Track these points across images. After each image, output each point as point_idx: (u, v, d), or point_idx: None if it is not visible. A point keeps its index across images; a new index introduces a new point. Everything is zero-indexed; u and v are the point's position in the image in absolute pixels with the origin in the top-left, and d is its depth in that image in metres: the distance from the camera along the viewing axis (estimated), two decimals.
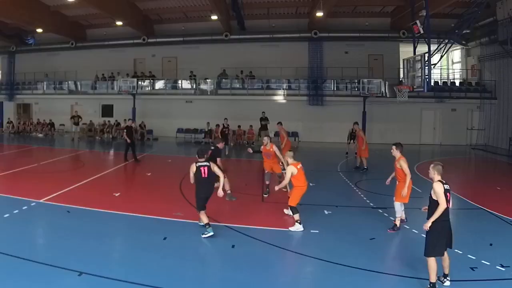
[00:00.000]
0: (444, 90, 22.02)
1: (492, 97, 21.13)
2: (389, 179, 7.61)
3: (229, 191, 9.10)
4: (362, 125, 21.25)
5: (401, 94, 17.00)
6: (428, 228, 4.96)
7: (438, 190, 4.99)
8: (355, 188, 10.75)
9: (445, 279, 5.07)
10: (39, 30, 23.34)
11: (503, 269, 5.44)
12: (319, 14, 18.67)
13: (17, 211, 7.62)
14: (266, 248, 6.23)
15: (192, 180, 6.86)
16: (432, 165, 5.28)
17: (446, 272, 5.08)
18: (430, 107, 21.97)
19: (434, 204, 5.01)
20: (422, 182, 11.49)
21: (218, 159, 8.74)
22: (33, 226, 7.15)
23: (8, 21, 23.74)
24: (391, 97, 20.69)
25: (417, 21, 14.82)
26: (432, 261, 4.86)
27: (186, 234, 6.81)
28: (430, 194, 5.09)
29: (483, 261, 5.66)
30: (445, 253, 5.03)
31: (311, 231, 7.06)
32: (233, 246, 6.23)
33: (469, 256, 5.86)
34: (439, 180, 5.16)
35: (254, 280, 5.21)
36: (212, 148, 9.13)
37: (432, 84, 17.37)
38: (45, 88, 26.12)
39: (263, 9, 22.93)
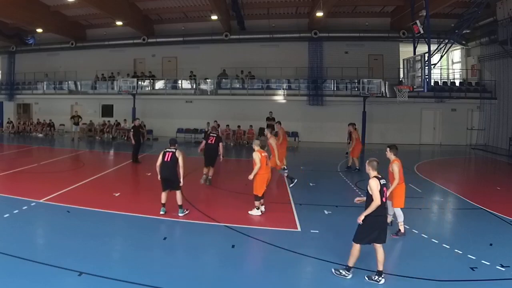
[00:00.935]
0: (444, 90, 22.03)
1: (492, 97, 21.13)
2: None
3: (210, 177, 10.74)
4: (362, 125, 21.29)
5: (401, 94, 17.00)
6: (361, 222, 5.13)
7: (373, 186, 5.08)
8: (355, 188, 10.75)
9: (379, 278, 5.05)
10: (39, 30, 23.33)
11: (503, 269, 5.44)
12: (319, 14, 18.67)
13: (17, 211, 7.62)
14: (266, 248, 6.24)
15: (158, 163, 7.93)
16: (367, 161, 5.41)
17: (380, 268, 5.09)
18: (430, 107, 21.97)
19: (369, 199, 5.12)
20: (422, 182, 11.52)
21: (220, 144, 10.61)
22: (33, 226, 7.14)
23: (8, 21, 23.74)
24: (391, 97, 20.69)
25: (417, 21, 14.81)
26: (356, 248, 5.17)
27: (186, 234, 6.82)
28: (367, 189, 5.19)
29: (483, 261, 5.66)
30: (380, 248, 5.11)
31: (311, 231, 7.06)
32: (233, 246, 6.23)
33: (469, 256, 5.86)
34: (375, 176, 5.22)
35: (254, 280, 5.21)
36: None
37: (432, 84, 17.38)
38: (45, 88, 26.12)
39: (263, 9, 22.92)
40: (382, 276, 5.08)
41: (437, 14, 18.59)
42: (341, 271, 5.25)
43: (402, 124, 21.86)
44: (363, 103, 21.40)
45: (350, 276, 5.18)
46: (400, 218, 6.86)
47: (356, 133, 13.51)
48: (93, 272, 5.06)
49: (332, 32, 22.87)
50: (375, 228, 5.11)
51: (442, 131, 22.20)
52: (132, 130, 14.78)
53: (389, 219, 6.99)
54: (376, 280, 5.05)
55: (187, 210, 7.90)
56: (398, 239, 6.78)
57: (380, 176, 5.24)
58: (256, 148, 8.01)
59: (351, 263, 5.19)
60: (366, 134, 21.39)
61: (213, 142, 10.53)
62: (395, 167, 6.77)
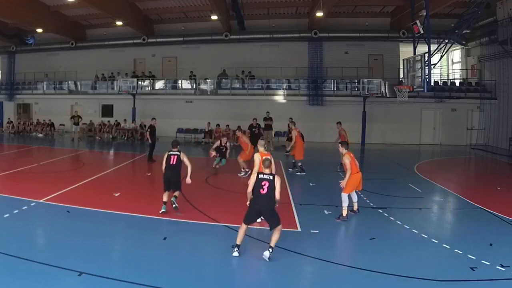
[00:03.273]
0: (444, 90, 22.03)
1: (492, 97, 21.14)
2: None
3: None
4: (362, 125, 21.31)
5: (401, 94, 17.01)
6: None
7: (251, 181, 5.88)
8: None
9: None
10: (39, 30, 23.34)
11: (503, 269, 5.43)
12: (319, 14, 18.68)
13: (17, 211, 7.61)
14: (266, 248, 6.22)
15: (163, 166, 8.07)
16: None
17: (272, 245, 5.67)
18: (430, 107, 21.97)
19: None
20: (422, 182, 11.53)
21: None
22: (33, 226, 7.14)
23: (8, 21, 23.75)
24: (391, 97, 20.70)
25: (417, 21, 14.82)
26: (242, 227, 5.86)
27: (186, 234, 6.81)
28: None
29: (483, 261, 5.65)
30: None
31: (311, 231, 7.06)
32: (233, 246, 6.22)
33: (469, 256, 5.86)
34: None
35: (254, 280, 5.21)
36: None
37: (432, 84, 17.39)
38: (45, 88, 26.14)
39: (263, 9, 22.93)
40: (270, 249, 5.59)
41: (437, 14, 18.60)
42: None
43: (402, 124, 21.87)
44: (363, 103, 21.40)
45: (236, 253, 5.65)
46: (345, 203, 7.72)
47: (344, 132, 13.61)
48: (93, 272, 5.06)
49: (332, 32, 22.88)
50: (252, 212, 5.83)
51: (442, 131, 22.21)
52: (148, 129, 14.98)
53: (355, 206, 8.10)
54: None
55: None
56: (398, 239, 6.78)
57: (265, 173, 5.85)
58: (260, 149, 8.02)
59: (237, 241, 5.76)
60: (366, 134, 21.40)
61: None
62: (346, 160, 7.73)
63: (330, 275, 5.33)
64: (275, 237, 5.71)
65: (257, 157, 7.72)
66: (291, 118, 15.01)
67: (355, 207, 8.14)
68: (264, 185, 5.75)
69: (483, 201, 9.15)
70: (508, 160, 17.11)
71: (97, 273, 5.05)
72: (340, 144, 8.17)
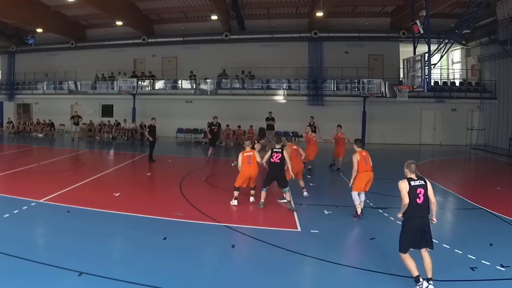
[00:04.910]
0: (444, 90, 22.03)
1: (492, 97, 21.14)
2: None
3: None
4: (362, 125, 21.29)
5: (401, 94, 16.99)
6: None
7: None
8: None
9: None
10: (39, 30, 23.34)
11: (503, 269, 5.43)
12: (319, 14, 18.68)
13: (17, 211, 7.61)
14: (266, 248, 6.23)
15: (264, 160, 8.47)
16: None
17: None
18: (430, 107, 21.97)
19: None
20: None
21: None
22: (33, 226, 7.14)
23: (8, 21, 23.74)
24: (391, 97, 20.68)
25: (417, 21, 14.80)
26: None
27: (186, 234, 6.81)
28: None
29: (483, 261, 5.65)
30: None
31: (311, 231, 7.05)
32: (233, 246, 6.23)
33: (469, 256, 5.86)
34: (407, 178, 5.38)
35: (254, 280, 5.21)
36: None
37: (432, 84, 17.37)
38: (45, 88, 26.13)
39: (263, 9, 22.93)
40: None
41: (437, 14, 18.59)
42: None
43: (402, 124, 21.86)
44: (363, 103, 21.39)
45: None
46: (356, 201, 7.88)
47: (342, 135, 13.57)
48: (93, 272, 5.06)
49: (332, 32, 22.88)
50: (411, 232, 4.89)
51: (442, 131, 22.20)
52: (148, 129, 15.00)
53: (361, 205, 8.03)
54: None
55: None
56: (398, 239, 6.77)
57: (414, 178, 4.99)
58: (247, 148, 8.82)
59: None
60: (366, 134, 21.39)
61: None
62: (353, 158, 7.93)
63: (330, 275, 5.33)
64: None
65: (240, 156, 8.65)
66: (340, 126, 13.95)
67: (361, 206, 7.96)
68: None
69: (483, 201, 9.15)
70: (508, 160, 17.11)
71: (97, 273, 5.05)
72: (354, 142, 8.30)
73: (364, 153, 8.03)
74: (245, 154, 8.62)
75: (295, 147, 9.51)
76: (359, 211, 7.86)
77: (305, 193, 9.48)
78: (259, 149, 9.57)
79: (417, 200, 4.85)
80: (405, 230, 4.92)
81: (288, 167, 8.43)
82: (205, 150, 19.28)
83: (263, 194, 8.39)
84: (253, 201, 8.83)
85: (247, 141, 9.30)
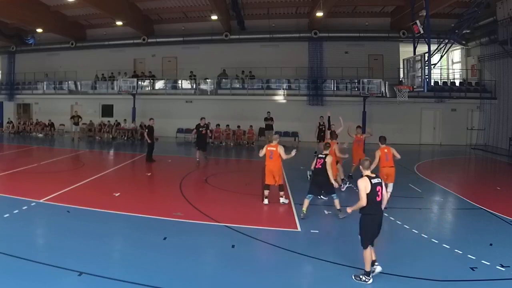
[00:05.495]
0: (444, 90, 22.03)
1: (492, 97, 21.13)
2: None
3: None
4: (362, 125, 21.25)
5: (401, 94, 16.99)
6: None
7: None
8: (355, 188, 10.73)
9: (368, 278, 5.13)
10: (39, 30, 23.35)
11: (503, 269, 5.43)
12: (319, 14, 18.68)
13: (17, 211, 7.61)
14: (266, 248, 6.24)
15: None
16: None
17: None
18: (430, 107, 21.97)
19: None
20: (422, 182, 11.52)
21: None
22: (33, 226, 7.14)
23: (8, 21, 23.75)
24: (391, 97, 20.68)
25: (417, 21, 14.80)
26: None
27: (186, 234, 6.81)
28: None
29: (483, 261, 5.66)
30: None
31: (311, 231, 7.06)
32: (233, 246, 6.23)
33: (469, 256, 5.86)
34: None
35: (253, 280, 5.21)
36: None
37: (432, 84, 17.36)
38: (45, 88, 26.13)
39: (263, 9, 22.92)
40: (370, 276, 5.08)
41: (437, 14, 18.58)
42: (360, 276, 5.10)
43: (402, 124, 21.83)
44: (363, 103, 21.38)
45: (371, 280, 5.06)
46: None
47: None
48: (93, 272, 5.06)
49: (332, 32, 22.87)
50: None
51: (442, 131, 22.20)
52: (147, 129, 14.88)
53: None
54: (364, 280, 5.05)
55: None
56: (398, 239, 6.78)
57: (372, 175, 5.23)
58: (274, 142, 8.83)
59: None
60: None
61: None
62: (376, 153, 8.58)
63: (330, 275, 5.33)
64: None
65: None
66: (360, 127, 12.95)
67: (388, 196, 8.08)
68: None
69: (483, 201, 9.15)
70: (508, 160, 17.12)
71: (97, 273, 5.05)
72: (379, 139, 8.88)
73: (386, 150, 8.63)
74: (268, 148, 8.74)
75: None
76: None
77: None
78: (338, 150, 9.65)
79: (377, 197, 5.06)
80: (366, 227, 5.11)
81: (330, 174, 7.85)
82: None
83: (306, 202, 7.77)
84: (283, 202, 8.76)
85: (274, 135, 9.17)
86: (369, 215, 5.08)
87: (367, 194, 5.01)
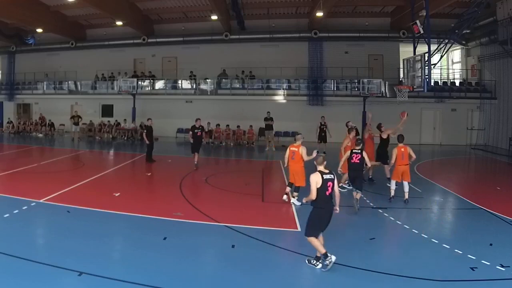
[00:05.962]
0: (444, 90, 22.02)
1: (492, 97, 21.13)
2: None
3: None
4: (362, 125, 21.24)
5: (401, 94, 16.99)
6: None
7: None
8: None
9: (317, 262, 5.56)
10: (39, 30, 23.35)
11: (503, 269, 5.43)
12: (319, 14, 18.68)
13: (17, 211, 7.61)
14: (266, 248, 6.24)
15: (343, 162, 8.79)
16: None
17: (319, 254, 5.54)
18: (430, 107, 21.96)
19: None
20: (422, 182, 11.52)
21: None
22: (33, 226, 7.14)
23: (8, 21, 23.75)
24: (391, 97, 20.68)
25: (417, 21, 14.80)
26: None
27: (186, 234, 6.81)
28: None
29: (483, 261, 5.66)
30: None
31: None
32: (233, 246, 6.23)
33: (469, 256, 5.86)
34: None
35: (253, 280, 5.21)
36: None
37: (432, 84, 17.36)
38: (45, 88, 26.13)
39: (263, 9, 22.92)
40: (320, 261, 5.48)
41: (437, 14, 18.58)
42: (312, 261, 5.55)
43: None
44: (363, 103, 21.39)
45: (320, 265, 5.48)
46: (392, 186, 9.26)
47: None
48: (93, 272, 5.06)
49: (332, 32, 22.87)
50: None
51: (442, 131, 22.19)
52: (145, 130, 14.83)
53: (406, 196, 9.03)
54: (314, 264, 5.51)
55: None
56: (398, 239, 6.78)
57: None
58: (297, 142, 8.89)
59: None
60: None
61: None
62: (393, 152, 9.08)
63: (330, 275, 5.33)
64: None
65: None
66: (402, 136, 11.56)
67: (406, 196, 8.98)
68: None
69: (483, 201, 9.15)
70: (508, 160, 17.12)
71: (97, 273, 5.05)
72: (397, 138, 9.43)
73: (403, 149, 8.99)
74: (291, 148, 8.83)
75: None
76: (392, 193, 9.14)
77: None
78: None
79: (326, 192, 5.43)
80: (314, 218, 5.49)
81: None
82: (205, 150, 19.30)
83: (355, 194, 8.45)
84: (292, 203, 8.71)
85: (298, 135, 9.11)
86: (317, 209, 5.45)
87: (318, 189, 5.34)
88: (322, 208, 5.44)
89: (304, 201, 5.79)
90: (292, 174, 8.82)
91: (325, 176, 5.41)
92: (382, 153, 11.04)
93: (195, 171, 12.81)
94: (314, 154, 8.40)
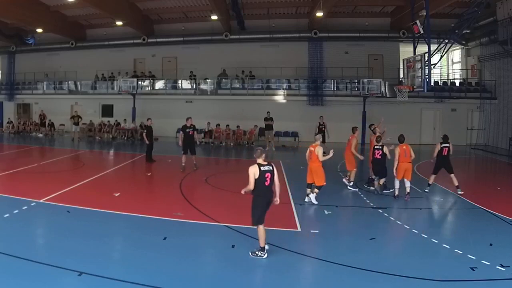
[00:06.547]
0: (444, 90, 22.03)
1: (492, 97, 21.13)
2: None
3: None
4: (362, 125, 21.26)
5: (401, 94, 17.00)
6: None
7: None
8: (354, 188, 10.74)
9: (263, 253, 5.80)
10: (39, 30, 23.35)
11: (503, 269, 5.43)
12: (319, 14, 18.68)
13: (17, 211, 7.61)
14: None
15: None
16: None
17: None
18: (430, 107, 21.96)
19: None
20: (422, 182, 11.51)
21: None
22: (33, 226, 7.14)
23: (8, 21, 23.75)
24: (391, 97, 20.68)
25: (417, 21, 14.81)
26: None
27: (186, 234, 6.81)
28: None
29: (483, 261, 5.66)
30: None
31: (311, 231, 7.06)
32: (233, 246, 6.23)
33: (469, 256, 5.86)
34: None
35: (254, 280, 5.21)
36: None
37: (432, 84, 17.37)
38: (45, 88, 26.14)
39: (263, 9, 22.93)
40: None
41: (437, 14, 18.59)
42: (256, 252, 5.75)
43: (402, 124, 21.71)
44: (363, 103, 21.39)
45: (265, 255, 5.71)
46: (396, 185, 9.46)
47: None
48: (93, 272, 5.06)
49: (332, 32, 22.87)
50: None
51: (442, 131, 22.08)
52: (145, 130, 14.80)
53: (407, 190, 9.34)
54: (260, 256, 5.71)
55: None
56: (398, 239, 6.78)
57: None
58: (316, 142, 9.03)
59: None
60: (366, 134, 21.37)
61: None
62: (395, 150, 9.36)
63: (330, 275, 5.33)
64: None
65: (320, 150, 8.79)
66: (403, 136, 10.61)
67: (407, 190, 9.34)
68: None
69: (483, 201, 9.15)
70: (508, 160, 17.12)
71: (97, 273, 5.05)
72: (398, 138, 9.73)
73: (404, 147, 9.35)
74: (310, 148, 8.97)
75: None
76: (396, 192, 9.41)
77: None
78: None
79: (265, 182, 5.78)
80: (255, 206, 5.82)
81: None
82: (205, 150, 19.31)
83: (376, 183, 10.03)
84: (315, 203, 8.80)
85: (317, 135, 9.41)
86: (258, 197, 5.80)
87: (256, 179, 5.71)
88: (261, 196, 5.79)
89: (242, 192, 5.98)
90: (310, 173, 8.86)
91: (263, 168, 5.77)
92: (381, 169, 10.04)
93: (195, 172, 12.79)
94: (331, 154, 8.50)
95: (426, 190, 10.19)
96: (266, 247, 5.80)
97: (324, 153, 8.97)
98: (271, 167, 5.87)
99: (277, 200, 5.99)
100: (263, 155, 5.94)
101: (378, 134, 10.45)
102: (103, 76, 25.52)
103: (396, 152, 9.30)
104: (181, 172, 12.41)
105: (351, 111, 21.55)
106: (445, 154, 10.16)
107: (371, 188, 10.29)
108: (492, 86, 21.19)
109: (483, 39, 20.67)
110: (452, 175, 10.10)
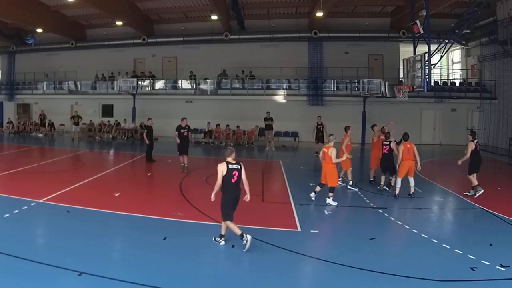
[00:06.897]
0: (444, 90, 22.03)
1: (492, 97, 21.14)
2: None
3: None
4: (362, 125, 21.28)
5: (401, 94, 17.00)
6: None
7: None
8: (355, 188, 10.74)
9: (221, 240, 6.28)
10: (39, 30, 23.36)
11: (503, 269, 5.43)
12: (319, 14, 18.69)
13: (17, 211, 7.61)
14: (266, 248, 6.23)
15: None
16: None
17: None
18: (430, 107, 21.97)
19: None
20: (422, 182, 11.51)
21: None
22: (33, 226, 7.13)
23: (8, 21, 23.76)
24: (391, 97, 20.68)
25: (417, 21, 14.82)
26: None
27: (186, 234, 6.81)
28: None
29: (483, 261, 5.65)
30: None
31: (311, 231, 7.06)
32: (233, 246, 6.23)
33: (469, 256, 5.86)
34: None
35: (254, 280, 5.21)
36: None
37: (432, 84, 17.38)
38: (45, 88, 26.16)
39: (263, 9, 22.94)
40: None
41: (437, 14, 18.59)
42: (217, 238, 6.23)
43: (402, 124, 21.64)
44: (363, 103, 21.39)
45: (223, 242, 6.17)
46: (398, 184, 9.44)
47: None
48: (93, 272, 5.06)
49: (332, 32, 22.88)
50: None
51: (442, 131, 22.20)
52: (145, 130, 14.78)
53: (411, 190, 9.53)
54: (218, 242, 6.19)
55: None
56: (398, 239, 6.78)
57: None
58: (329, 144, 9.05)
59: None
60: (366, 134, 21.39)
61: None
62: (399, 149, 9.56)
63: (330, 275, 5.33)
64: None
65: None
66: (407, 134, 10.64)
67: (411, 190, 9.51)
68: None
69: (483, 201, 9.15)
70: (508, 160, 17.12)
71: (97, 273, 5.05)
72: (402, 136, 9.80)
73: (408, 145, 9.45)
74: (323, 149, 9.03)
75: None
76: (397, 191, 9.42)
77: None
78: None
79: (232, 180, 6.10)
80: (224, 202, 6.13)
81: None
82: (205, 150, 19.32)
83: (382, 178, 10.18)
84: (328, 203, 8.77)
85: (330, 136, 9.26)
86: (225, 194, 6.11)
87: (224, 176, 6.04)
88: (228, 193, 6.09)
89: (212, 196, 6.23)
90: (324, 174, 8.84)
91: (231, 166, 6.09)
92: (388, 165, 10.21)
93: (195, 171, 12.80)
94: (345, 157, 8.57)
95: (477, 194, 9.57)
96: (247, 237, 5.91)
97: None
98: (239, 166, 6.18)
99: (247, 197, 6.31)
100: (233, 154, 6.25)
101: (387, 131, 10.58)
102: (103, 76, 25.53)
103: (400, 150, 9.44)
104: (181, 172, 12.46)
105: (351, 111, 21.55)
106: (478, 150, 9.89)
107: (381, 184, 10.28)
108: (492, 86, 21.20)
109: (483, 39, 20.68)
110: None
